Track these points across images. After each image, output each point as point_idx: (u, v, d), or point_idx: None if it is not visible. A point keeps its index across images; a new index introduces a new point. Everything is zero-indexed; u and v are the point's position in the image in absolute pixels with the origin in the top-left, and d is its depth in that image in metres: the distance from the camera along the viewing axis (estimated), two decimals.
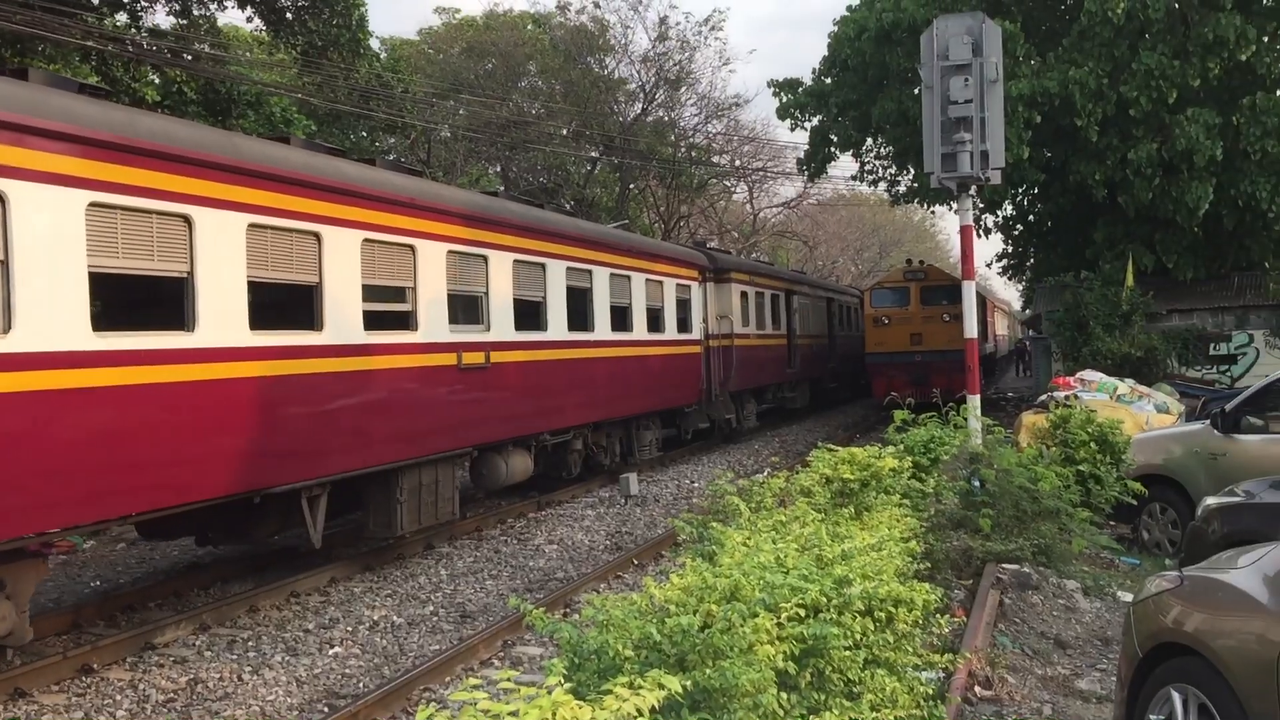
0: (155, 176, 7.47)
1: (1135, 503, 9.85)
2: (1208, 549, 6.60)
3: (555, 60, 34.78)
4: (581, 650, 3.62)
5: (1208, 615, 4.18)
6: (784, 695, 3.57)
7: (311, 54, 20.49)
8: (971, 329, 12.07)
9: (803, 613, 3.84)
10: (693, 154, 37.79)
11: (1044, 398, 14.10)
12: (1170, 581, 4.63)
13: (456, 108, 32.87)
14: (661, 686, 3.00)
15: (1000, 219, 26.35)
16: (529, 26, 36.39)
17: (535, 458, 13.23)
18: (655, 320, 17.20)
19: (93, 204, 7.00)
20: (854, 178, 27.07)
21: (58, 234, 6.74)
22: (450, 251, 11.19)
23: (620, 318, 15.77)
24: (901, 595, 4.32)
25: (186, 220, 7.75)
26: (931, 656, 4.76)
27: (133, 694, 6.94)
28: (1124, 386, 14.47)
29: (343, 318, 9.43)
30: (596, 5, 34.72)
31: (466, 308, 11.78)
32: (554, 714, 2.77)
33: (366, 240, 9.81)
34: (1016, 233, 27.29)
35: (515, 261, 12.58)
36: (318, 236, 9.14)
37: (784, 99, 23.73)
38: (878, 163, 26.06)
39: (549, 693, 2.87)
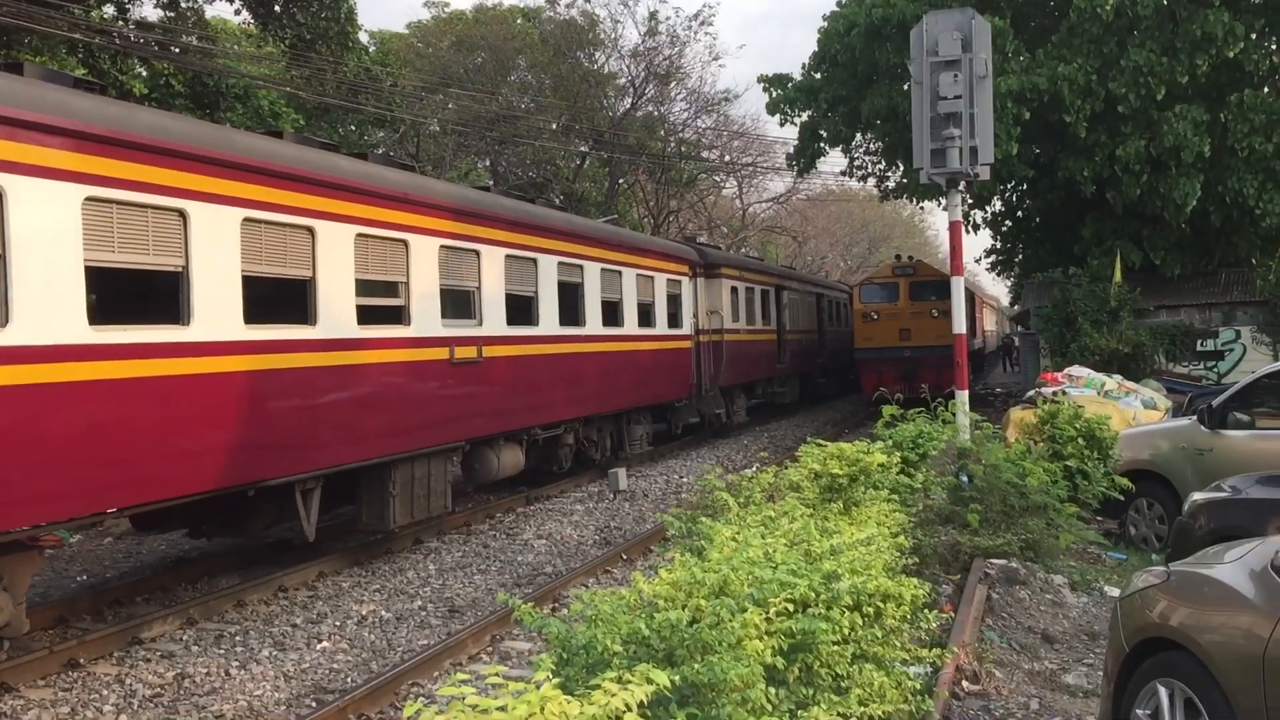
0: (151, 171, 7.47)
1: (1122, 498, 9.90)
2: (1194, 544, 6.62)
3: (545, 54, 34.73)
4: (570, 645, 3.62)
5: (1194, 610, 4.19)
6: (772, 690, 3.58)
7: (300, 47, 20.38)
8: (960, 324, 12.09)
9: (791, 608, 3.85)
10: (682, 149, 37.77)
11: (1032, 393, 14.14)
12: (1157, 576, 4.65)
13: (445, 102, 32.78)
14: (650, 681, 3.01)
15: (989, 215, 26.39)
16: (518, 20, 36.35)
17: (526, 452, 13.26)
18: (646, 315, 17.20)
19: (89, 198, 6.99)
20: (843, 173, 26.95)
21: (54, 228, 6.73)
22: (443, 246, 11.17)
23: (611, 313, 15.78)
24: (890, 590, 4.34)
25: (182, 214, 7.75)
26: (919, 651, 4.78)
27: (119, 689, 6.92)
28: (1111, 382, 14.53)
29: (336, 312, 9.43)
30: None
31: (459, 302, 11.78)
32: (542, 709, 2.77)
33: (360, 235, 9.80)
34: (1005, 229, 27.34)
35: (507, 256, 12.58)
36: (311, 231, 9.13)
37: (774, 94, 23.68)
38: (867, 158, 26.02)
39: (537, 688, 2.86)
